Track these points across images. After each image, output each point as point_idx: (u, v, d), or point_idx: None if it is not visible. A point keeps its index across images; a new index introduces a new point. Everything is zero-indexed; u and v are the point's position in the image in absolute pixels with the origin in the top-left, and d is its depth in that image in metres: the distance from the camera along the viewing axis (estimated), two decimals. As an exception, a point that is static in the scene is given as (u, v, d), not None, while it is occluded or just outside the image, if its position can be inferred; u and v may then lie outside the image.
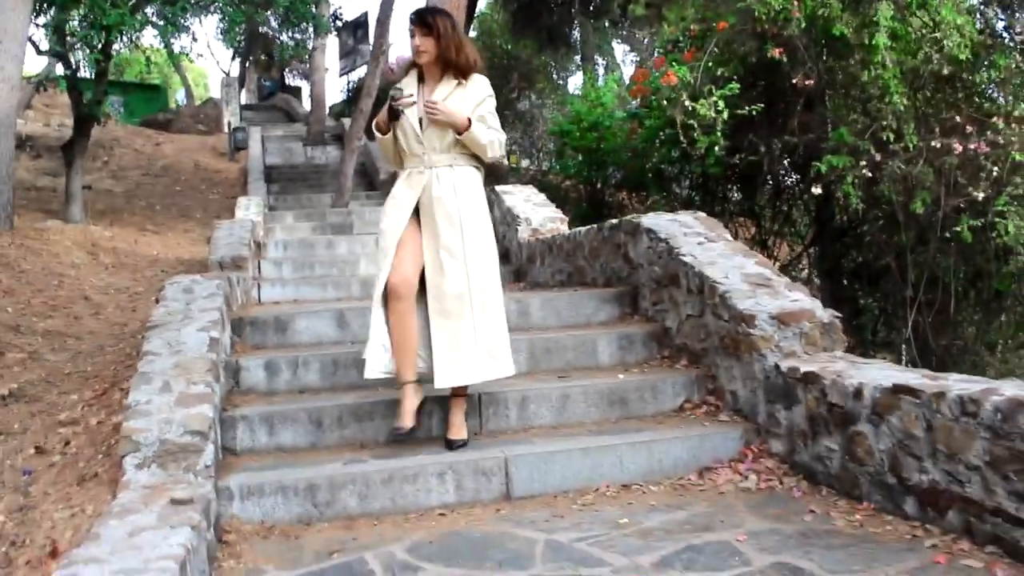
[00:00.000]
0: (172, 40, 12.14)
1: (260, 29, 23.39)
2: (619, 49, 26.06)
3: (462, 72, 4.09)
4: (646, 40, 21.33)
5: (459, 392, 4.03)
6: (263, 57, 31.65)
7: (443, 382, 3.91)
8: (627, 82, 14.48)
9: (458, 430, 3.99)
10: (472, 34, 18.65)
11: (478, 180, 4.15)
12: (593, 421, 4.27)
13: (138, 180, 15.37)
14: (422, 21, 4.02)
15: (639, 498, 3.64)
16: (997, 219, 7.72)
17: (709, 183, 10.15)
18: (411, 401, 3.92)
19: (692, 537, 3.15)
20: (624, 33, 23.23)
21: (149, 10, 12.03)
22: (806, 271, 10.80)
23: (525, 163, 17.66)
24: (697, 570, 2.85)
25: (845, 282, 10.02)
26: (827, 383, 3.54)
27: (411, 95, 4.04)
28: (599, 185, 12.76)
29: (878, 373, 3.46)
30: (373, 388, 4.37)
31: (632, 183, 11.98)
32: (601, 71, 22.76)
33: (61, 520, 3.05)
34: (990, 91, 8.75)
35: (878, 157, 8.08)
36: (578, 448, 3.84)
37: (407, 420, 3.88)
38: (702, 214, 5.31)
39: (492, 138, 4.08)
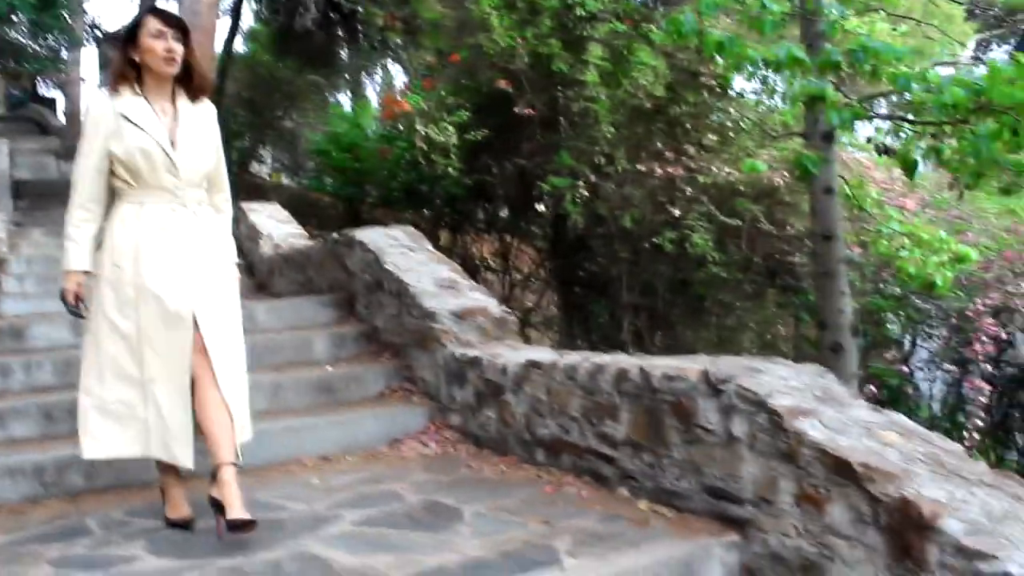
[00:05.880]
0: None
1: (8, 36, 22.45)
2: (395, 69, 26.77)
3: (202, 90, 3.48)
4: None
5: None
6: (12, 65, 30.09)
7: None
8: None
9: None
10: (240, 50, 18.86)
11: None
12: (304, 407, 4.87)
13: None
14: (180, 24, 3.31)
15: (334, 466, 4.31)
16: (687, 232, 8.96)
17: (457, 201, 11.01)
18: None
19: (367, 489, 3.85)
20: (395, 55, 23.91)
21: None
22: (545, 282, 11.89)
23: (287, 181, 18.04)
24: (361, 508, 3.55)
25: (578, 290, 11.12)
26: (485, 364, 4.36)
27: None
28: (357, 203, 13.38)
29: (526, 354, 4.29)
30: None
31: (389, 201, 12.68)
32: (375, 92, 23.39)
33: None
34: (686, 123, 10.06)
35: (594, 179, 9.22)
36: (284, 428, 4.46)
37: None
38: (411, 228, 6.07)
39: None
